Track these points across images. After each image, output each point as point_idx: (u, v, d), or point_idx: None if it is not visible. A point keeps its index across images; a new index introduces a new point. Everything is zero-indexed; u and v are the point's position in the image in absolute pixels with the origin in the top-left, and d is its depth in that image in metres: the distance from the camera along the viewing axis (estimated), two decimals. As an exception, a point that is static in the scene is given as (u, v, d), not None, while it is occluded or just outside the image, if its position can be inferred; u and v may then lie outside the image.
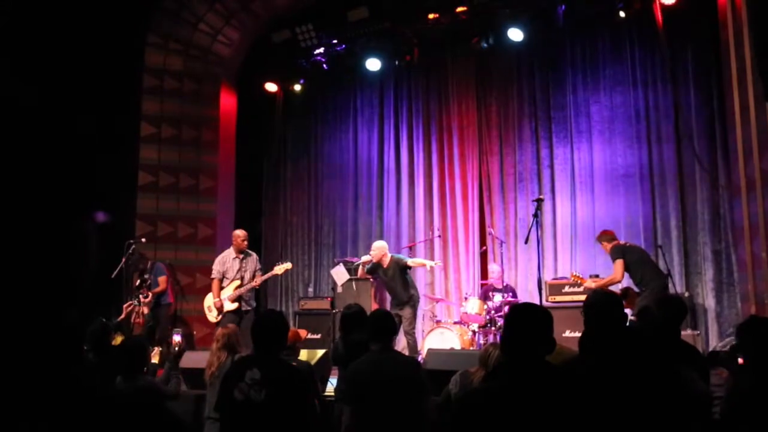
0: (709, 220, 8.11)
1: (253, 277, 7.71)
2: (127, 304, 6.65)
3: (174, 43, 9.71)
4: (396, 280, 7.65)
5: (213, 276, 7.79)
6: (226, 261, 7.75)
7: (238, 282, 7.63)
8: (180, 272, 9.08)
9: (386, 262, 7.69)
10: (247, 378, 3.40)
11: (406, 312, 7.49)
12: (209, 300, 7.74)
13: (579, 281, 7.24)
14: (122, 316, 6.52)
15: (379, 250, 7.72)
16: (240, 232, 7.85)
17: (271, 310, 7.18)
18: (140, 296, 6.63)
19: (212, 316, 7.69)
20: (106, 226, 8.94)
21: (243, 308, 7.63)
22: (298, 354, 5.35)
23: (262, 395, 3.35)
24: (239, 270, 7.68)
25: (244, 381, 3.40)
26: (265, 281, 8.25)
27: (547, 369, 2.45)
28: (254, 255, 7.94)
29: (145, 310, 6.57)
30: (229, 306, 7.55)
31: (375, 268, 7.78)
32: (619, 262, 6.68)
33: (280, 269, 7.84)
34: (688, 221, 8.26)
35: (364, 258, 7.79)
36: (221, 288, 7.67)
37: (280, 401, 3.37)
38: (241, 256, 7.73)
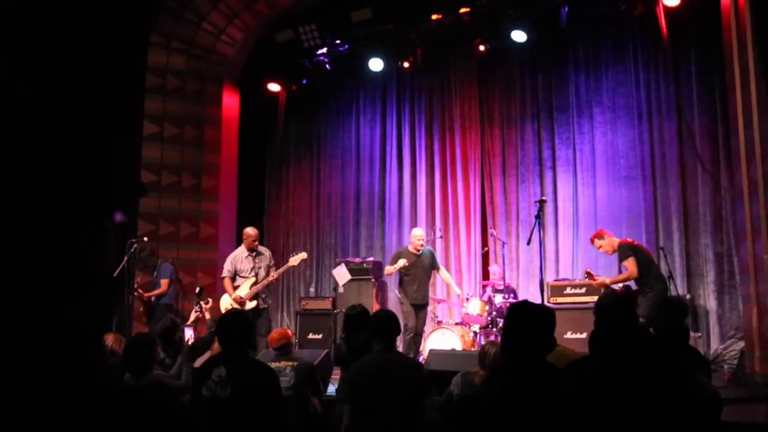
0: (711, 221, 8.11)
1: (267, 273, 7.65)
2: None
3: (177, 43, 9.71)
4: (426, 273, 7.87)
5: (223, 275, 7.73)
6: (238, 260, 7.69)
7: (252, 280, 7.57)
8: (182, 271, 9.07)
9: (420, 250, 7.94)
10: (214, 376, 3.48)
11: (424, 312, 7.76)
12: (226, 300, 7.62)
13: (591, 278, 7.03)
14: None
15: (423, 235, 8.06)
16: (251, 231, 7.78)
17: (233, 309, 7.17)
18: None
19: None
20: (121, 227, 8.95)
21: (260, 306, 7.56)
22: (291, 354, 5.36)
23: (227, 392, 3.41)
24: (253, 268, 7.62)
25: (211, 379, 3.48)
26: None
27: (547, 369, 2.45)
28: (267, 252, 7.89)
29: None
30: (248, 304, 7.47)
31: (408, 256, 7.88)
32: (633, 260, 6.66)
33: (295, 260, 7.76)
34: (690, 223, 8.26)
35: (401, 263, 7.82)
36: (235, 287, 7.61)
37: (246, 398, 3.44)
38: (253, 254, 7.69)
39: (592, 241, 7.23)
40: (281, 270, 7.84)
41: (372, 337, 4.05)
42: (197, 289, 7.47)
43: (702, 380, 3.00)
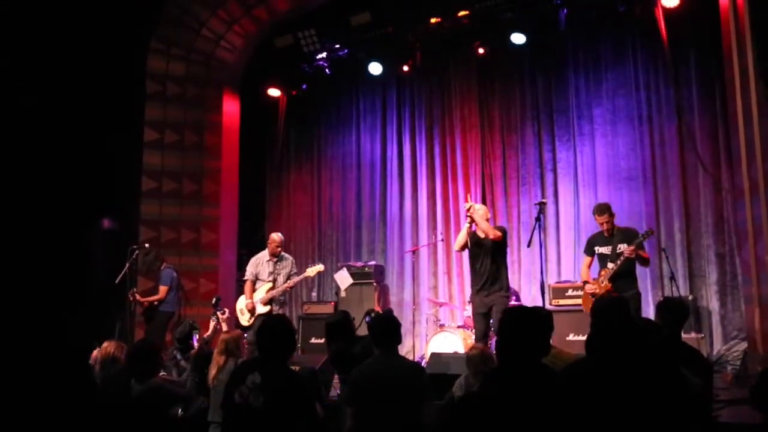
0: (712, 223, 8.09)
1: (288, 280, 7.64)
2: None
3: (176, 49, 9.73)
4: (488, 256, 6.65)
5: (246, 278, 7.75)
6: (259, 263, 7.70)
7: (269, 285, 7.57)
8: (184, 277, 9.07)
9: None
10: (248, 382, 3.43)
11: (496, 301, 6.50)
12: (241, 302, 7.67)
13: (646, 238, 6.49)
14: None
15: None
16: (276, 237, 7.79)
17: (277, 314, 7.15)
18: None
19: (244, 320, 7.56)
20: (111, 233, 8.95)
21: (274, 311, 7.52)
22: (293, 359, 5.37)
23: (260, 400, 3.37)
24: (272, 273, 7.62)
25: (245, 384, 3.42)
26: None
27: (541, 372, 2.46)
28: (290, 258, 7.87)
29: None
30: (261, 309, 7.48)
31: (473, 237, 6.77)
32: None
33: (311, 271, 7.74)
34: (692, 224, 8.24)
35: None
36: (254, 290, 7.63)
37: (279, 407, 3.38)
38: (275, 259, 7.68)
39: (602, 211, 6.62)
40: (297, 279, 7.78)
41: (372, 341, 4.08)
42: (213, 300, 7.49)
43: (692, 378, 3.00)
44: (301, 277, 7.81)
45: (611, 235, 6.61)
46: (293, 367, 4.93)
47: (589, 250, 6.79)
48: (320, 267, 7.84)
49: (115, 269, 8.32)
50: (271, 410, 3.36)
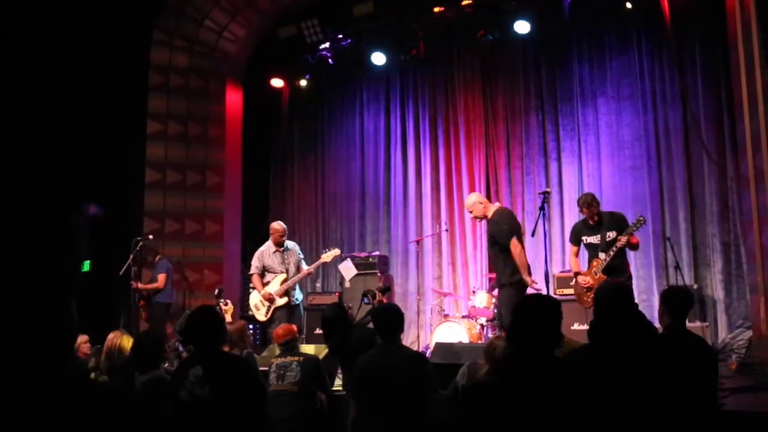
0: (717, 211, 8.06)
1: (297, 268, 7.48)
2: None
3: (179, 41, 9.71)
4: (493, 245, 6.34)
5: (251, 272, 7.55)
6: (265, 256, 7.48)
7: (283, 276, 7.36)
8: (188, 269, 9.09)
9: (490, 214, 6.52)
10: (191, 376, 3.41)
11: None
12: (255, 298, 7.46)
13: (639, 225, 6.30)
14: None
15: (476, 201, 6.55)
16: (278, 226, 7.54)
17: (203, 306, 7.10)
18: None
19: (261, 315, 7.36)
20: (98, 219, 8.95)
21: (292, 303, 7.38)
22: (297, 349, 5.38)
23: (206, 391, 3.36)
24: (282, 263, 7.42)
25: (188, 380, 3.41)
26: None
27: (553, 362, 2.45)
28: (295, 246, 7.71)
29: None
30: (279, 301, 7.29)
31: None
32: None
33: (327, 256, 7.54)
34: (697, 213, 8.22)
35: None
36: (265, 283, 7.42)
37: (227, 395, 3.38)
38: (281, 249, 7.49)
39: (590, 204, 6.39)
40: (314, 266, 7.67)
41: (376, 331, 4.08)
42: (216, 291, 7.43)
43: (696, 367, 3.00)
44: (318, 263, 7.65)
45: (597, 222, 6.44)
46: (299, 358, 4.97)
47: (575, 240, 6.63)
48: (336, 251, 7.65)
49: (119, 261, 8.32)
50: (219, 398, 3.36)
